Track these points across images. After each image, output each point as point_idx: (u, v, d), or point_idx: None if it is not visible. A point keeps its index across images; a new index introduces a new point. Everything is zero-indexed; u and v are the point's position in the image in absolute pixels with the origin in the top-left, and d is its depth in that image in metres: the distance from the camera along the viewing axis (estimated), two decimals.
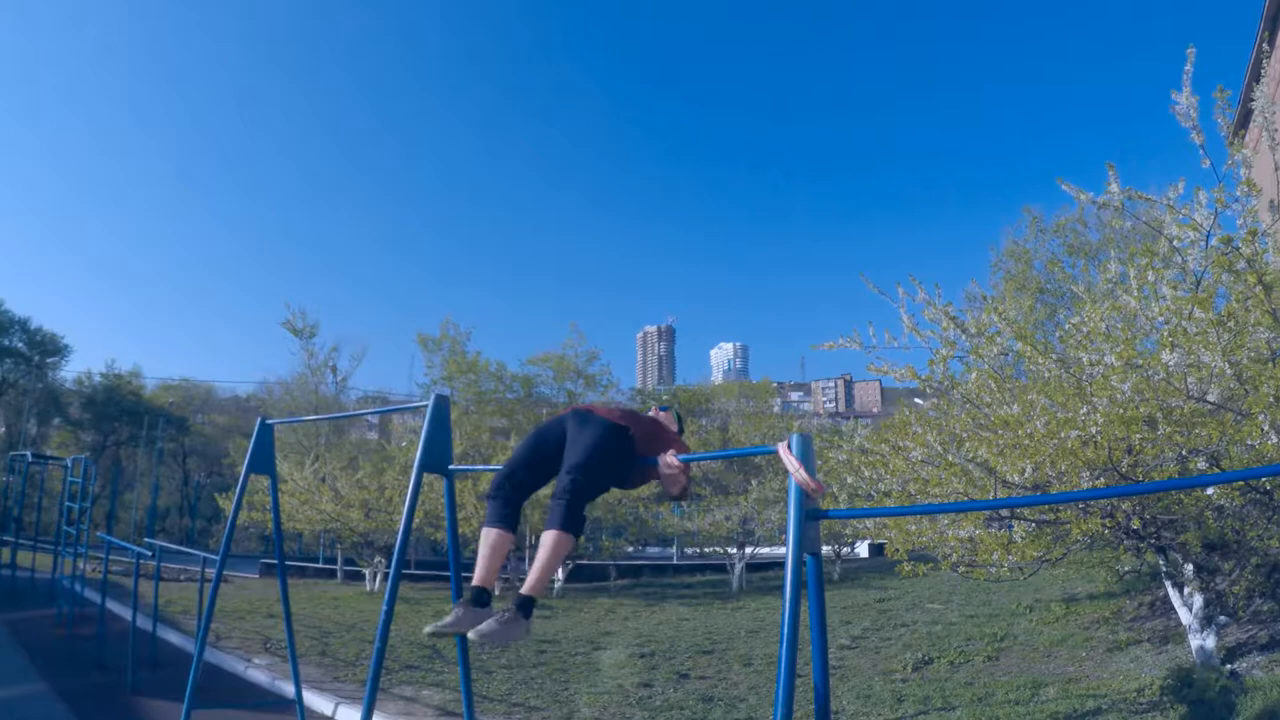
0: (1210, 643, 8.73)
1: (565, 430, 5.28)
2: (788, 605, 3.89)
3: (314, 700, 10.16)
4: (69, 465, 20.10)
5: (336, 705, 10.10)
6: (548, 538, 4.81)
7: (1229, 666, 8.42)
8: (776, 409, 61.14)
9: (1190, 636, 9.00)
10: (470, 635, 4.76)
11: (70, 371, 60.32)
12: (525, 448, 5.35)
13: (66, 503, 19.53)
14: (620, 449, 5.17)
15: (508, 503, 5.18)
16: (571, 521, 4.83)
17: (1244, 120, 15.10)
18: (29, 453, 25.25)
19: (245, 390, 70.20)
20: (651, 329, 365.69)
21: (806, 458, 4.14)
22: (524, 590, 4.84)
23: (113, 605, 14.63)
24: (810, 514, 4.12)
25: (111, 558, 15.93)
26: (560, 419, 5.43)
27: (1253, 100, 9.00)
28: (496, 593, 5.22)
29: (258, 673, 12.11)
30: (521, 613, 4.78)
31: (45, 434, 60.10)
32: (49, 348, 57.17)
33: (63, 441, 58.11)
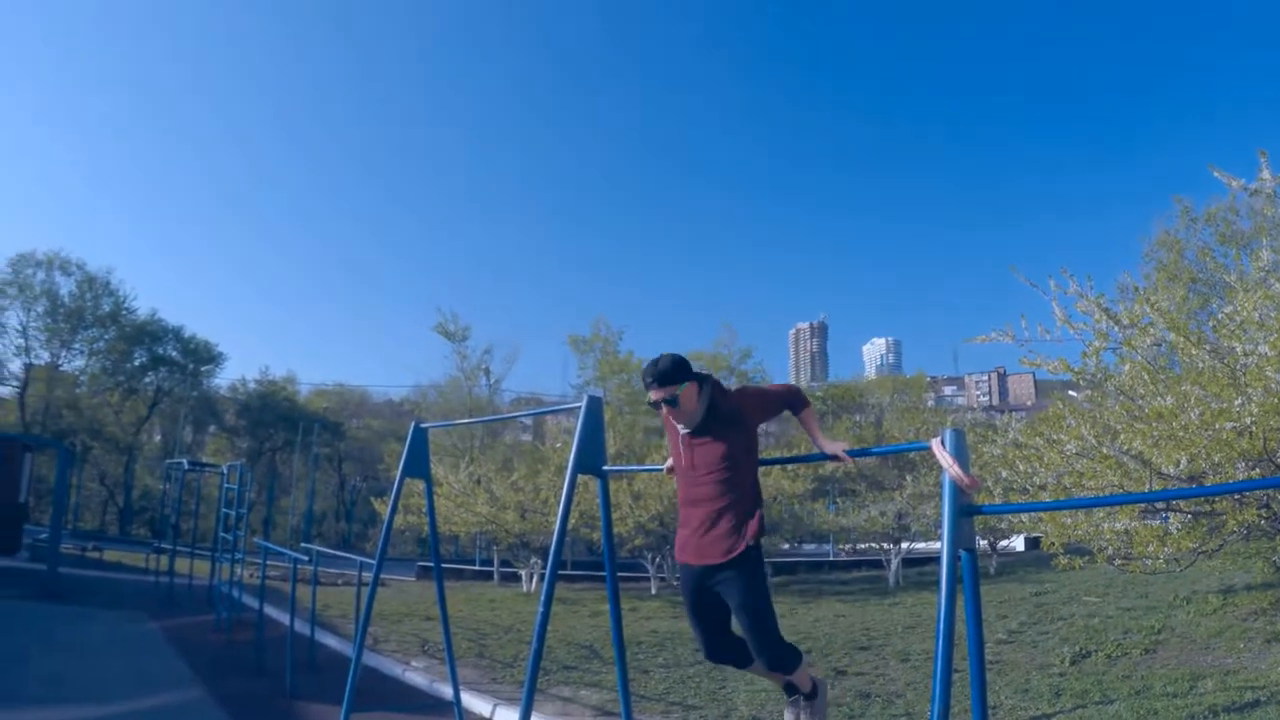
0: None
1: (703, 580, 5.15)
2: (943, 601, 3.97)
3: (472, 702, 10.22)
4: (225, 472, 20.27)
5: (495, 707, 10.13)
6: (798, 677, 5.28)
7: None
8: (930, 403, 60.52)
9: None
10: None
11: (224, 379, 62.14)
12: (694, 616, 5.28)
13: (223, 509, 19.75)
14: (760, 558, 5.16)
15: (727, 661, 5.40)
16: (789, 659, 5.14)
17: None
18: (185, 460, 25.64)
19: (399, 394, 70.97)
20: (804, 325, 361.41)
21: (960, 453, 4.21)
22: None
23: (270, 610, 14.83)
24: (965, 510, 4.17)
25: (269, 563, 16.17)
26: (689, 570, 5.23)
27: None
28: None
29: (416, 675, 12.23)
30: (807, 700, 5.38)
31: (201, 441, 61.90)
32: (203, 356, 58.80)
33: (218, 448, 59.82)
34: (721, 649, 5.30)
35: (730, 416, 5.18)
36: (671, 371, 5.10)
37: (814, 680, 5.44)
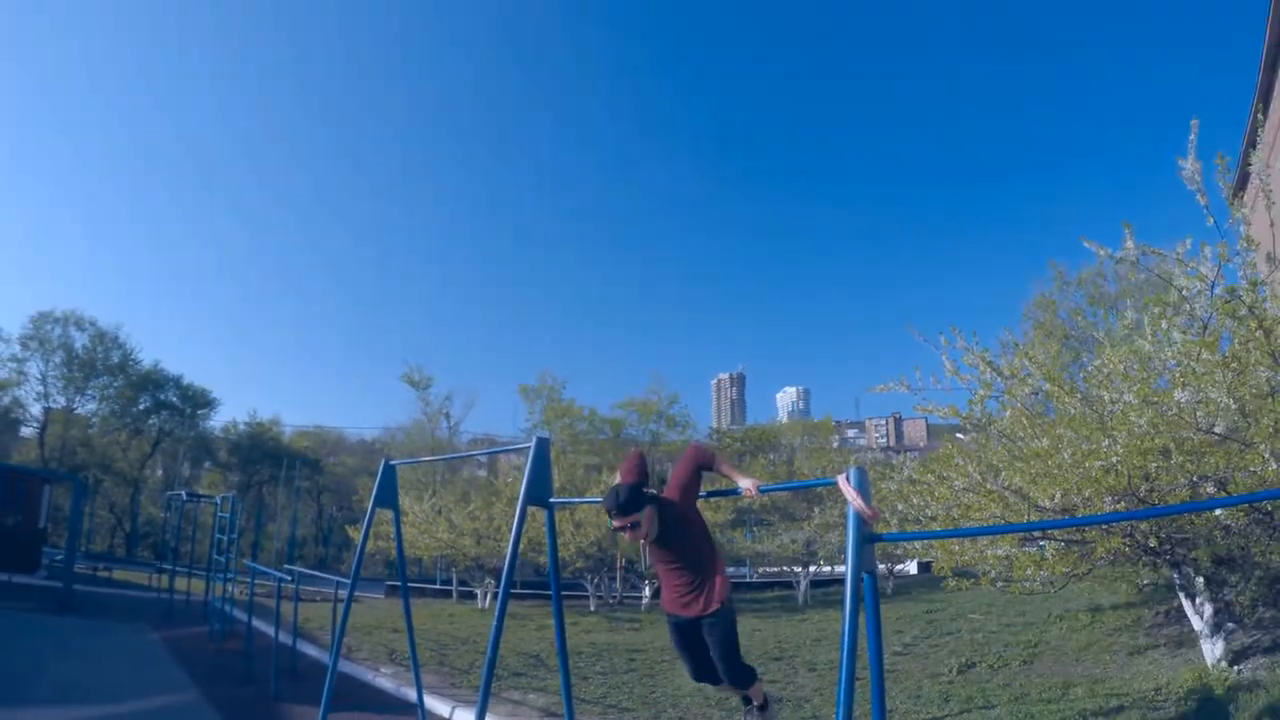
0: (1220, 647, 8.66)
1: (687, 629, 5.52)
2: (847, 618, 4.05)
3: (434, 704, 10.25)
4: (218, 502, 20.45)
5: (454, 708, 10.19)
6: (754, 690, 5.78)
7: (1236, 668, 8.34)
8: (835, 444, 60.86)
9: (1202, 642, 8.93)
10: None
11: (218, 421, 62.04)
12: (681, 649, 5.63)
13: (216, 534, 19.87)
14: (732, 609, 5.51)
15: (709, 679, 5.67)
16: (748, 679, 5.60)
17: (1242, 182, 14.98)
18: (184, 492, 25.83)
19: (371, 435, 71.57)
20: (724, 375, 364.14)
21: (863, 488, 4.27)
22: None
23: (258, 623, 14.80)
24: (867, 537, 4.27)
25: (256, 582, 16.24)
26: (678, 619, 5.55)
27: (1249, 165, 8.98)
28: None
29: (384, 680, 12.26)
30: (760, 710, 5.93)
31: (197, 475, 61.85)
32: (199, 401, 58.92)
33: (212, 481, 59.72)
34: (702, 673, 5.62)
35: (678, 520, 5.39)
36: (630, 503, 5.19)
37: (766, 695, 5.99)
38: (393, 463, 9.03)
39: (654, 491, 5.43)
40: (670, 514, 5.33)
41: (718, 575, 5.44)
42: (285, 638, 12.96)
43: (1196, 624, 8.98)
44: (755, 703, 5.86)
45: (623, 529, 5.23)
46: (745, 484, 5.30)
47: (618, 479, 5.72)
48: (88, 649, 14.19)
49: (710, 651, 5.43)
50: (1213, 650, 8.70)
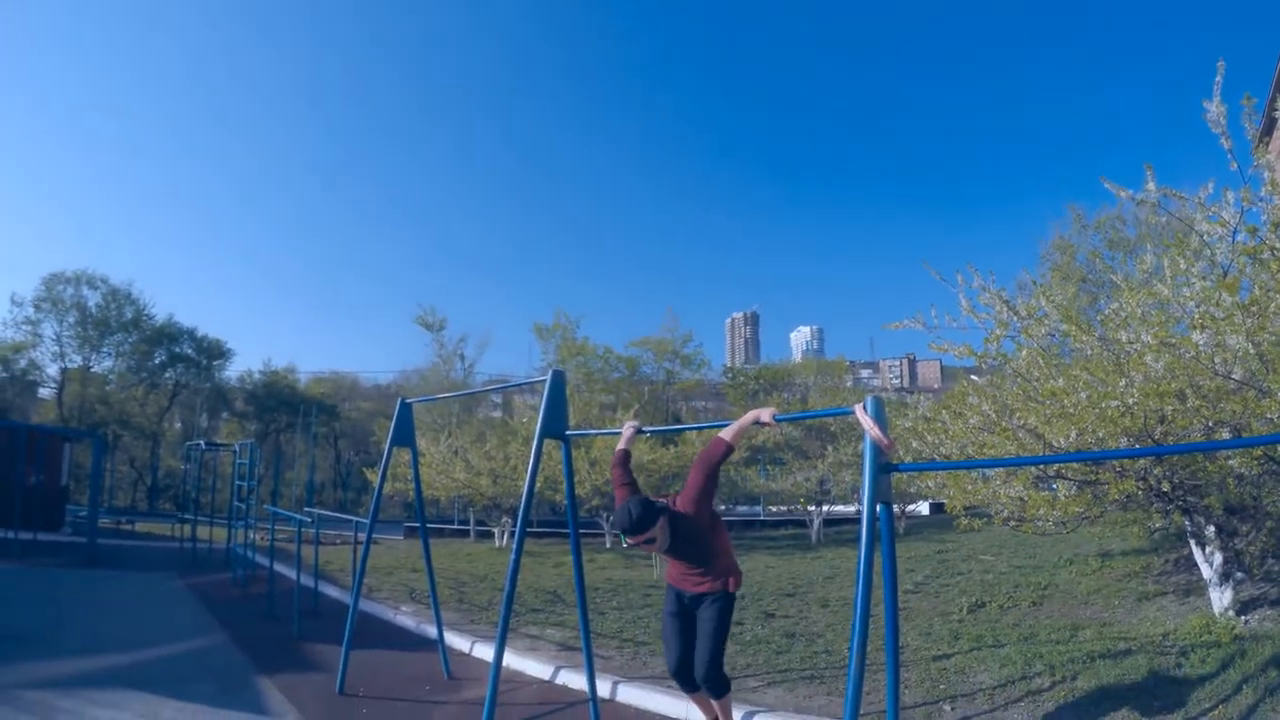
0: (1228, 597, 8.67)
1: (687, 605, 5.59)
2: (863, 549, 4.03)
3: (453, 640, 10.39)
4: (237, 450, 20.53)
5: (473, 644, 10.34)
6: (720, 705, 5.66)
7: (1243, 618, 8.35)
8: (849, 384, 60.83)
9: (1210, 590, 8.95)
10: None
11: (234, 371, 62.15)
12: (671, 634, 5.62)
13: (236, 482, 20.03)
14: (732, 603, 5.59)
15: (690, 682, 5.57)
16: (723, 687, 5.52)
17: (1269, 128, 14.76)
18: (202, 442, 25.82)
19: (386, 379, 71.28)
20: (738, 315, 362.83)
21: (880, 418, 4.26)
22: None
23: (279, 567, 15.00)
24: (884, 467, 4.28)
25: (277, 527, 16.47)
26: (673, 592, 5.67)
27: (1276, 110, 8.88)
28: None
29: (405, 618, 12.41)
30: None
31: (215, 426, 61.80)
32: (214, 352, 58.82)
33: (230, 431, 59.60)
34: (683, 667, 5.54)
35: (689, 527, 5.40)
36: (642, 520, 5.19)
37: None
38: (409, 401, 9.13)
39: (664, 502, 5.45)
40: (683, 526, 5.38)
41: (730, 574, 5.54)
42: (307, 580, 13.11)
43: (1205, 572, 8.98)
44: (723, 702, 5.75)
45: (638, 545, 5.26)
46: (763, 415, 5.27)
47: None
48: (116, 599, 14.34)
49: (698, 636, 5.46)
50: (1221, 599, 8.72)
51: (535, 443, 6.68)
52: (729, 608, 5.50)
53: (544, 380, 6.81)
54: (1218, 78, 7.27)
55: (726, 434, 5.44)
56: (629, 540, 5.26)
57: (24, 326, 50.11)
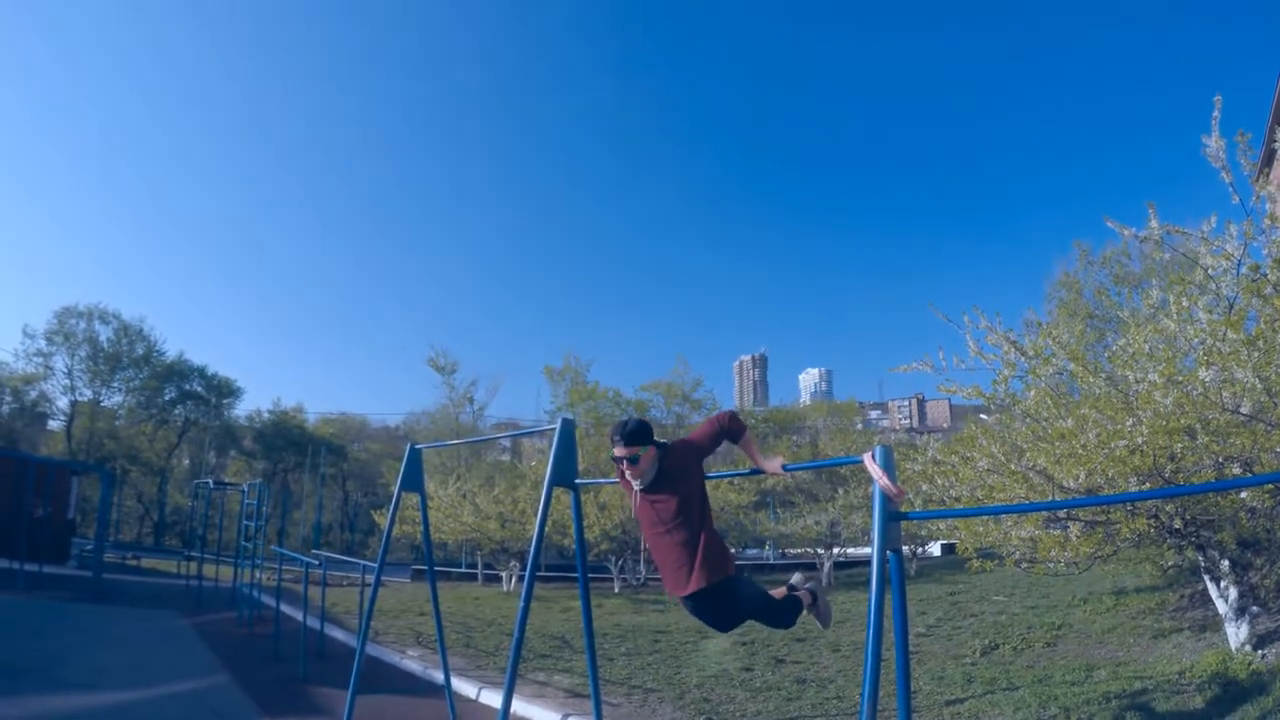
0: (1244, 631, 8.60)
1: (699, 600, 5.33)
2: (873, 595, 4.02)
3: (460, 685, 10.33)
4: (245, 490, 20.62)
5: (480, 689, 10.31)
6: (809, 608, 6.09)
7: (1260, 652, 8.29)
8: (859, 426, 60.69)
9: (1226, 625, 8.88)
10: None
11: (243, 410, 62.49)
12: (703, 620, 5.51)
13: (244, 521, 20.05)
14: (739, 578, 5.47)
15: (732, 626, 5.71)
16: (789, 613, 5.89)
17: (1268, 159, 14.84)
18: (210, 480, 26.00)
19: (395, 420, 71.14)
20: (746, 357, 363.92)
21: (888, 466, 4.27)
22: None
23: (285, 608, 15.06)
24: (892, 515, 4.25)
25: (283, 567, 16.42)
26: (685, 598, 5.36)
27: (1275, 142, 8.91)
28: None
29: (411, 663, 12.34)
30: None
31: (223, 463, 61.98)
32: (224, 390, 59.26)
33: (238, 469, 60.11)
34: (729, 626, 5.64)
35: (676, 472, 5.21)
36: (637, 433, 5.14)
37: (813, 592, 6.21)
38: (418, 446, 9.04)
39: (666, 441, 5.33)
40: (671, 464, 5.20)
41: (715, 547, 5.22)
42: (313, 622, 13.10)
43: (1221, 607, 8.93)
44: (806, 604, 6.00)
45: (622, 460, 5.13)
46: (771, 465, 5.27)
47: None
48: (120, 635, 14.32)
49: (732, 612, 5.40)
50: (1237, 634, 8.65)
51: (544, 491, 6.66)
52: (738, 584, 5.34)
53: (553, 428, 6.80)
54: (1215, 112, 7.34)
55: (746, 434, 5.40)
56: (615, 451, 5.16)
57: (35, 359, 50.73)
